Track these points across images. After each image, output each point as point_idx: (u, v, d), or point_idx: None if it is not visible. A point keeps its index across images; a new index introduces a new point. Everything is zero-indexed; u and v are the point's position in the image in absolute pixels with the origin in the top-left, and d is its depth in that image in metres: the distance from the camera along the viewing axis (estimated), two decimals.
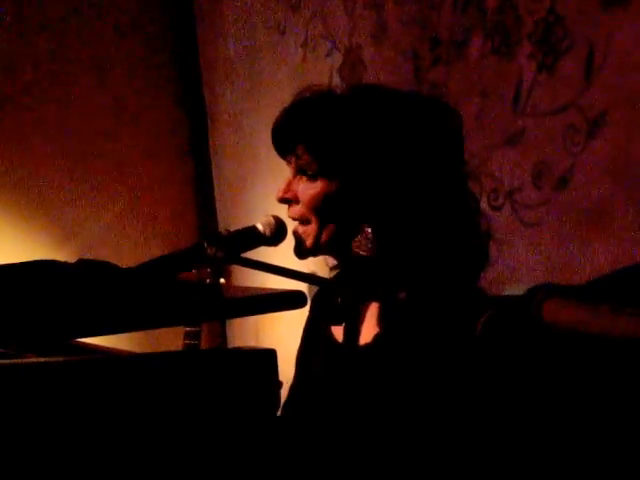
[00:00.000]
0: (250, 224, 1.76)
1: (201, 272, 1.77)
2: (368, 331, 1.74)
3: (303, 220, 1.75)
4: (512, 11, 2.44)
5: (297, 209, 1.75)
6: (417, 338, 1.65)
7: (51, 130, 3.87)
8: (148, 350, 1.49)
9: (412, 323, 1.67)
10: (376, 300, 1.74)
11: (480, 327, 1.41)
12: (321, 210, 1.73)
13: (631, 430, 1.30)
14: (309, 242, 1.75)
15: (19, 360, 1.26)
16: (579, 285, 1.41)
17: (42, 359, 1.25)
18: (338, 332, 1.78)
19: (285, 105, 1.78)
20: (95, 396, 1.23)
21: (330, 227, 1.73)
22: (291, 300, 1.47)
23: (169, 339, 2.70)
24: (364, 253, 1.71)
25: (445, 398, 1.61)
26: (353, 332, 1.75)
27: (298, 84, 1.83)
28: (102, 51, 3.97)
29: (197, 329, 2.32)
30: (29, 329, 1.30)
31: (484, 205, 2.48)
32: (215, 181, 4.14)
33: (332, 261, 1.83)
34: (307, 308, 1.77)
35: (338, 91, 1.77)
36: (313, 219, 1.74)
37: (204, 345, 3.07)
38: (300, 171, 1.75)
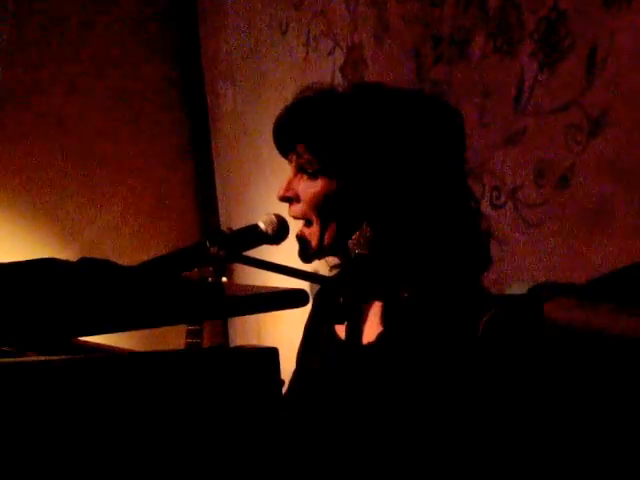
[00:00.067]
0: (252, 223, 1.76)
1: (203, 271, 1.78)
2: (371, 330, 1.74)
3: (304, 218, 1.75)
4: (514, 10, 2.44)
5: (298, 207, 1.75)
6: (420, 337, 1.65)
7: (52, 130, 3.87)
8: (150, 349, 1.49)
9: (415, 322, 1.67)
10: (378, 299, 1.74)
11: (482, 326, 1.41)
12: (322, 209, 1.73)
13: (634, 429, 1.30)
14: (314, 244, 1.74)
15: (20, 359, 1.26)
16: (580, 284, 1.41)
17: (44, 358, 1.25)
18: (341, 330, 1.78)
19: (287, 104, 1.78)
20: (97, 395, 1.23)
21: (332, 226, 1.73)
22: (293, 298, 1.47)
23: (171, 338, 2.70)
24: (361, 251, 1.71)
25: (447, 397, 1.61)
26: (356, 331, 1.75)
27: (300, 83, 1.83)
28: (103, 50, 3.97)
29: (199, 328, 2.32)
30: (31, 328, 1.30)
31: (486, 204, 2.48)
32: (217, 180, 4.15)
33: (332, 260, 1.83)
34: (309, 306, 1.77)
35: (339, 89, 1.77)
36: (314, 218, 1.74)
37: (206, 344, 3.07)
38: (301, 169, 1.75)
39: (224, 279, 1.84)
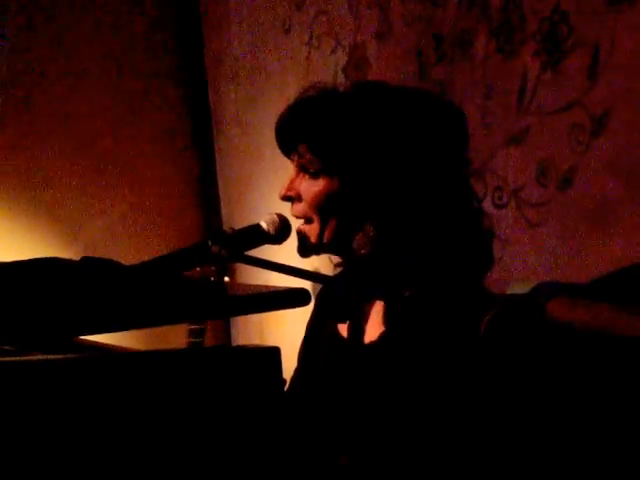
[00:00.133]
0: (254, 222, 1.76)
1: (205, 270, 1.78)
2: (373, 329, 1.74)
3: (306, 218, 1.75)
4: (517, 10, 2.44)
5: (300, 207, 1.75)
6: (422, 337, 1.65)
7: (54, 129, 3.87)
8: (152, 348, 1.49)
9: (417, 322, 1.67)
10: (381, 298, 1.74)
11: (484, 326, 1.41)
12: (324, 208, 1.73)
13: (635, 427, 1.30)
14: (312, 240, 1.75)
15: (23, 358, 1.26)
16: (583, 284, 1.41)
17: (46, 357, 1.25)
18: (343, 330, 1.78)
19: (289, 103, 1.78)
20: (99, 394, 1.23)
21: (333, 225, 1.73)
22: (295, 298, 1.47)
23: (173, 337, 2.70)
24: (364, 252, 1.71)
25: (450, 397, 1.61)
26: (358, 330, 1.75)
27: (303, 82, 1.83)
28: (106, 50, 3.97)
29: (201, 327, 2.33)
30: (34, 327, 1.30)
31: (488, 204, 2.48)
32: (219, 180, 4.14)
33: (336, 258, 1.83)
34: (312, 306, 1.77)
35: (341, 89, 1.77)
36: (316, 217, 1.74)
37: (208, 343, 3.07)
38: (303, 169, 1.75)
39: (226, 279, 1.83)
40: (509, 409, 1.47)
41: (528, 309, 1.35)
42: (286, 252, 1.84)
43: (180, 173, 4.15)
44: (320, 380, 1.79)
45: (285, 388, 1.66)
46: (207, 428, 1.29)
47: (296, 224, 1.77)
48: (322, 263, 2.64)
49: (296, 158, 1.76)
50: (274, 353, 1.35)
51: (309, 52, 3.39)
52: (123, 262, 1.48)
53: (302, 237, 1.76)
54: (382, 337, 1.71)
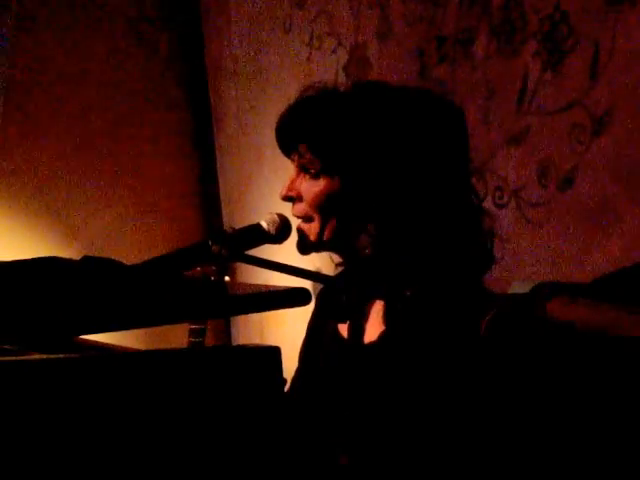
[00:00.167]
0: (255, 222, 1.76)
1: (206, 270, 1.77)
2: (373, 329, 1.74)
3: (307, 218, 1.75)
4: (517, 9, 2.44)
5: (301, 207, 1.75)
6: (422, 337, 1.65)
7: (54, 129, 3.87)
8: (152, 348, 1.49)
9: (417, 321, 1.67)
10: (381, 298, 1.74)
11: (485, 325, 1.41)
12: (324, 208, 1.73)
13: (636, 426, 1.30)
14: (312, 238, 1.75)
15: (23, 358, 1.26)
16: (583, 283, 1.41)
17: (45, 356, 1.25)
18: (344, 329, 1.78)
19: (289, 103, 1.78)
20: (99, 394, 1.23)
21: (333, 224, 1.73)
22: (295, 297, 1.47)
23: (173, 337, 2.70)
24: (368, 252, 1.71)
25: (450, 397, 1.61)
26: (358, 330, 1.75)
27: (303, 82, 1.83)
28: (106, 49, 3.97)
29: (202, 327, 2.32)
30: (33, 326, 1.30)
31: (489, 203, 2.48)
32: (220, 179, 4.15)
33: (337, 258, 1.83)
34: (312, 305, 1.77)
35: (341, 88, 1.77)
36: (316, 216, 1.74)
37: (208, 343, 3.07)
38: (303, 169, 1.75)
39: (227, 278, 1.83)
40: (510, 408, 1.47)
41: (528, 309, 1.35)
42: (286, 252, 1.84)
43: (181, 173, 4.15)
44: (320, 380, 1.79)
45: (286, 388, 1.66)
46: (207, 428, 1.29)
47: (296, 223, 1.78)
48: (324, 263, 2.64)
49: (296, 158, 1.76)
50: (274, 353, 1.35)
51: (310, 52, 3.39)
52: (123, 262, 1.48)
53: (302, 235, 1.76)
54: (382, 337, 1.71)
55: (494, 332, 1.40)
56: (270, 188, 3.62)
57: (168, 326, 1.52)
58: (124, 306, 1.37)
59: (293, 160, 1.78)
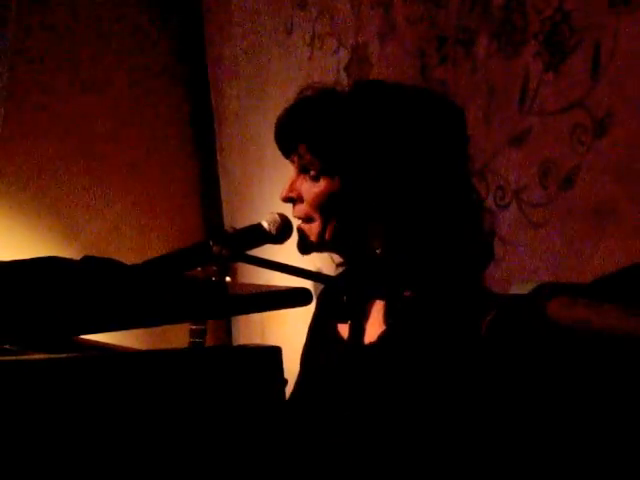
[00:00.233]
0: (255, 222, 1.76)
1: (207, 270, 1.77)
2: (373, 329, 1.74)
3: (308, 219, 1.75)
4: (519, 10, 2.43)
5: (302, 208, 1.75)
6: (422, 337, 1.65)
7: (55, 129, 3.87)
8: (152, 348, 1.49)
9: (417, 322, 1.67)
10: (381, 298, 1.74)
11: (485, 326, 1.41)
12: (325, 208, 1.73)
13: (636, 427, 1.30)
14: (313, 239, 1.75)
15: (23, 357, 1.26)
16: (584, 284, 1.41)
17: (46, 356, 1.25)
18: (344, 330, 1.78)
19: (288, 104, 1.78)
20: (100, 393, 1.23)
21: (334, 225, 1.73)
22: (296, 297, 1.47)
23: (173, 337, 2.70)
24: (379, 252, 1.71)
25: (450, 397, 1.61)
26: (358, 330, 1.75)
27: (305, 82, 1.83)
28: (107, 50, 3.97)
29: (202, 327, 2.32)
30: (34, 326, 1.30)
31: (490, 204, 2.48)
32: (221, 179, 4.14)
33: (338, 258, 1.83)
34: (313, 306, 1.77)
35: (340, 88, 1.77)
36: (317, 217, 1.74)
37: (209, 343, 3.07)
38: (303, 170, 1.75)
39: (228, 278, 1.83)
40: (510, 409, 1.47)
41: (529, 309, 1.35)
42: (287, 252, 1.84)
43: (182, 173, 4.15)
44: (321, 380, 1.79)
45: (288, 389, 1.66)
46: (208, 428, 1.29)
47: (297, 224, 1.77)
48: (324, 263, 2.64)
49: (296, 159, 1.76)
50: (275, 353, 1.35)
51: (311, 52, 3.39)
52: (124, 262, 1.48)
53: (303, 235, 1.76)
54: (382, 337, 1.71)
55: (494, 332, 1.40)
56: (271, 188, 3.62)
57: (168, 326, 1.52)
58: (124, 306, 1.37)
59: (293, 161, 1.78)
